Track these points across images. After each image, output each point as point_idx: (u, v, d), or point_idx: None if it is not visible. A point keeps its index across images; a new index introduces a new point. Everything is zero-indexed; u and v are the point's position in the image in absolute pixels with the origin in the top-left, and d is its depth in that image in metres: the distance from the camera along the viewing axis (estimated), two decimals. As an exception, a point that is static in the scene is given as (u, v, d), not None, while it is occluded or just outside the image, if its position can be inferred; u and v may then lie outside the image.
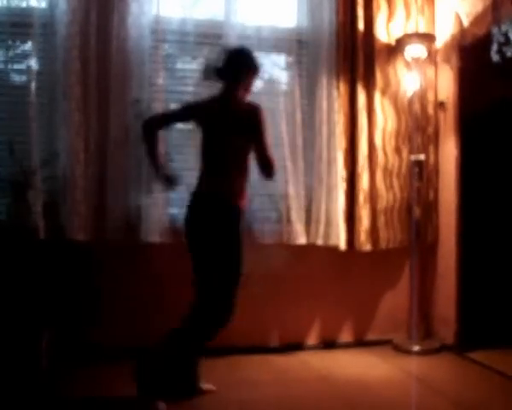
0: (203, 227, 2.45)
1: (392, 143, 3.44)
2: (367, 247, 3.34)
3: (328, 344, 3.45)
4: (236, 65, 2.59)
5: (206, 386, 2.58)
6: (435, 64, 3.55)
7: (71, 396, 2.50)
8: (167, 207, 3.19)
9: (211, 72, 2.61)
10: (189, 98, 3.24)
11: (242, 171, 2.52)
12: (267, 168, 2.50)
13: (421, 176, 3.42)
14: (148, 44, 3.15)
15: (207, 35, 3.30)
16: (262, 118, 2.47)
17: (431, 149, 3.51)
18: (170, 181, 2.64)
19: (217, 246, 2.41)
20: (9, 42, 3.08)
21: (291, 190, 3.28)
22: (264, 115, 2.48)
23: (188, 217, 2.50)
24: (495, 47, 2.83)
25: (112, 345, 2.95)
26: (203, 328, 2.44)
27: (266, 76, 3.44)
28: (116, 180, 3.04)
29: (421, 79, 3.43)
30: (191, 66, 3.36)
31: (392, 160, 3.44)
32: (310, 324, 3.44)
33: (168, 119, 2.80)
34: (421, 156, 3.43)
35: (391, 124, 3.44)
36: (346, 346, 3.45)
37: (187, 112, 2.70)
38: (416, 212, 3.42)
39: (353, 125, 3.37)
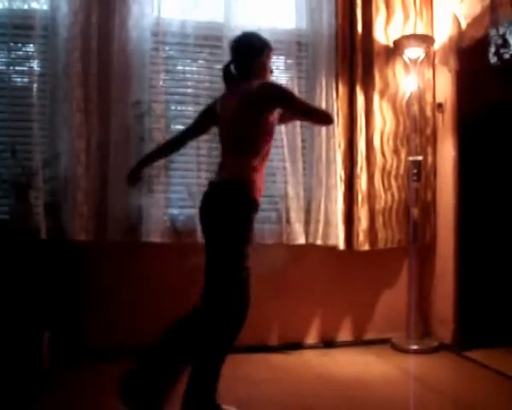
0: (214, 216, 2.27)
1: (391, 144, 3.46)
2: (365, 247, 3.36)
3: (328, 343, 3.47)
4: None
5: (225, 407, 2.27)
6: (433, 66, 3.57)
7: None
8: (168, 208, 3.21)
9: None
10: (189, 100, 3.29)
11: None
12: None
13: (419, 177, 3.44)
14: (148, 46, 3.17)
15: (207, 37, 3.32)
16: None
17: (429, 150, 3.53)
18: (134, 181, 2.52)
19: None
20: (11, 44, 3.08)
21: (290, 191, 3.30)
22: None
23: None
24: (493, 49, 2.84)
25: (112, 345, 2.96)
26: (214, 334, 2.18)
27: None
28: (117, 181, 3.03)
29: (419, 80, 3.45)
30: (191, 68, 3.38)
31: (391, 161, 3.46)
32: (309, 323, 3.45)
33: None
34: (419, 157, 3.46)
35: (389, 125, 3.46)
36: (345, 345, 3.47)
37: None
38: (414, 212, 3.44)
39: (352, 127, 3.38)
